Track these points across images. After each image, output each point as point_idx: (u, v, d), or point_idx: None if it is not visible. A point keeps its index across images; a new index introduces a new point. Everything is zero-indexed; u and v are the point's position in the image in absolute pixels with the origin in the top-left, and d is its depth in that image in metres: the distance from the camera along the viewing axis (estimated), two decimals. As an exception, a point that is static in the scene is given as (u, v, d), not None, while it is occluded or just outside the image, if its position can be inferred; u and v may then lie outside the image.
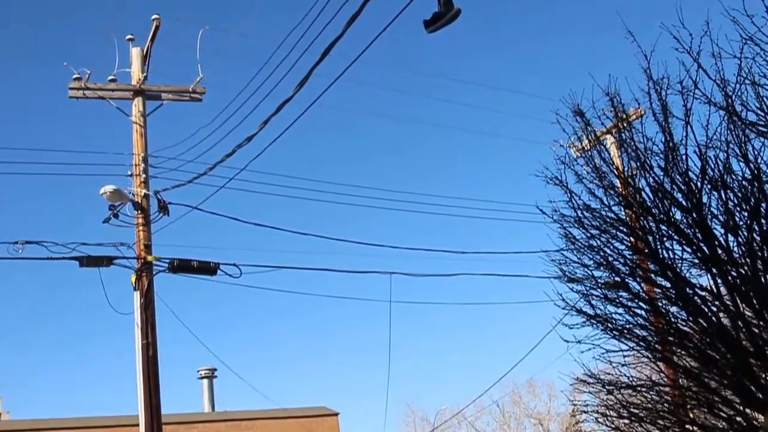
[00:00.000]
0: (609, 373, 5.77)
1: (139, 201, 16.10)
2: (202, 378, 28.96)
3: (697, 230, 5.20)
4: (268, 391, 38.22)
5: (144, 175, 15.96)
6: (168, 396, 19.37)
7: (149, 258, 15.95)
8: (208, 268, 16.40)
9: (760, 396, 5.00)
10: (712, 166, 5.05)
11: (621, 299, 5.62)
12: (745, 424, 5.19)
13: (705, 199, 5.17)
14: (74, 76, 15.03)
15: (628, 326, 5.57)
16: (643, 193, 5.42)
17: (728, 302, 5.20)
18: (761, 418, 4.96)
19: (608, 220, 5.62)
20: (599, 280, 5.68)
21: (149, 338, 16.02)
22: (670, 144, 5.24)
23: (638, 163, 5.37)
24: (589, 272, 5.71)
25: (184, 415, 23.90)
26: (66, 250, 15.21)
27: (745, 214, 5.01)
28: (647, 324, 5.63)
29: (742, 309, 5.12)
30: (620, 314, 5.62)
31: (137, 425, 16.23)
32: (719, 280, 5.20)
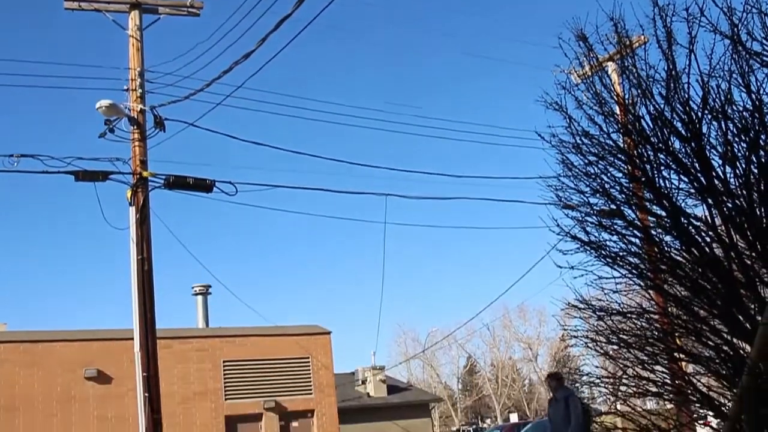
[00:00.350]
0: (600, 300, 5.83)
1: (135, 116, 16.02)
2: (197, 294, 29.27)
3: (695, 160, 5.19)
4: (261, 309, 38.62)
5: (140, 90, 15.84)
6: (163, 312, 19.54)
7: (145, 174, 15.95)
8: (203, 185, 16.42)
9: (748, 326, 5.06)
10: (714, 95, 5.02)
11: (616, 227, 5.64)
12: (731, 353, 5.25)
13: (705, 129, 5.14)
14: (70, -13, 14.80)
15: (621, 254, 5.61)
16: (642, 121, 5.39)
17: (722, 233, 5.21)
18: (748, 348, 5.01)
19: (606, 147, 5.60)
20: (595, 207, 5.70)
21: (144, 254, 16.15)
22: (673, 72, 5.19)
23: (639, 91, 5.33)
24: (585, 199, 5.72)
25: (179, 330, 24.20)
26: (61, 165, 15.19)
27: (744, 145, 4.99)
28: (640, 252, 5.66)
29: (735, 240, 5.15)
30: (614, 242, 5.66)
31: (132, 339, 16.46)
32: (714, 211, 5.20)
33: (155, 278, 16.39)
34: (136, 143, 16.02)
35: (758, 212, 4.98)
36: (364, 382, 39.80)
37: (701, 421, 6.02)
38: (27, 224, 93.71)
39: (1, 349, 21.72)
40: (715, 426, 5.87)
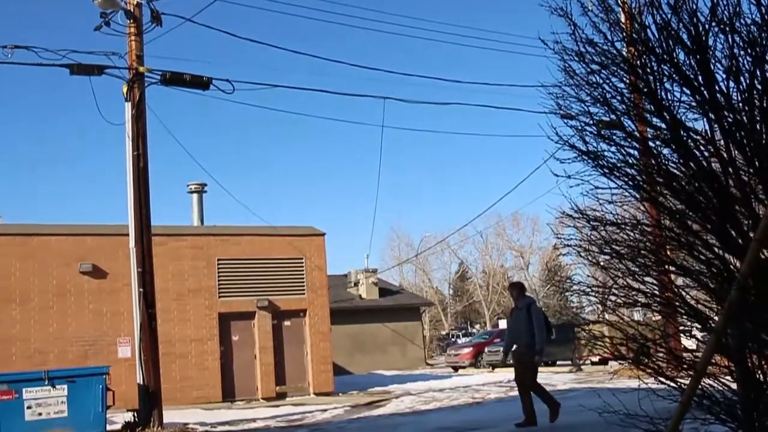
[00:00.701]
0: (595, 210, 5.82)
1: (132, 9, 15.74)
2: (192, 192, 29.31)
3: (699, 73, 5.11)
4: (256, 209, 38.79)
5: (137, -17, 15.54)
6: (158, 209, 19.60)
7: (141, 69, 15.77)
8: (200, 83, 16.26)
9: (740, 242, 5.07)
10: (723, 7, 4.91)
11: (614, 138, 5.60)
12: (722, 267, 5.28)
13: (711, 41, 5.05)
14: None
15: (618, 164, 5.57)
16: (648, 31, 5.29)
17: (721, 148, 5.18)
18: (738, 263, 5.04)
19: (610, 56, 5.50)
20: (595, 117, 5.64)
21: (140, 149, 16.11)
22: (681, -19, 5.08)
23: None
24: (585, 108, 5.65)
25: (174, 227, 24.31)
26: (56, 57, 15.00)
27: (750, 59, 4.91)
28: (638, 164, 5.63)
29: (734, 155, 5.12)
30: (612, 152, 5.61)
31: (127, 235, 16.57)
32: (715, 126, 5.16)
33: (150, 175, 16.40)
34: (133, 38, 15.80)
35: (758, 128, 4.94)
36: (356, 285, 40.26)
37: (687, 334, 6.09)
38: (23, 118, 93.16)
39: (-3, 240, 21.85)
40: (699, 338, 5.95)
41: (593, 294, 6.33)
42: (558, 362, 34.90)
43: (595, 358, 29.07)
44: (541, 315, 12.44)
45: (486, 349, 37.03)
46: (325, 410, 18.64)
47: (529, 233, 78.31)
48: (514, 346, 12.64)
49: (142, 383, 15.78)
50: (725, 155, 5.14)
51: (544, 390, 12.45)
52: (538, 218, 75.42)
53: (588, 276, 7.04)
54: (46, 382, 14.86)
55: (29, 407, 14.71)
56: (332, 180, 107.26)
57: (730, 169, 5.13)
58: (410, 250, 74.00)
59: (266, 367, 24.38)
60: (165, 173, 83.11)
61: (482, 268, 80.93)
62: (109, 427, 15.49)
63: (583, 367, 30.90)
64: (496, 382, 25.79)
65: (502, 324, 60.21)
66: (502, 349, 13.56)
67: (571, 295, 45.60)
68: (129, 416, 16.04)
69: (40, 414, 14.78)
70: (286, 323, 25.08)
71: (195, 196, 29.27)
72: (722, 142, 5.20)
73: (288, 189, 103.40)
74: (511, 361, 12.85)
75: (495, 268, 78.63)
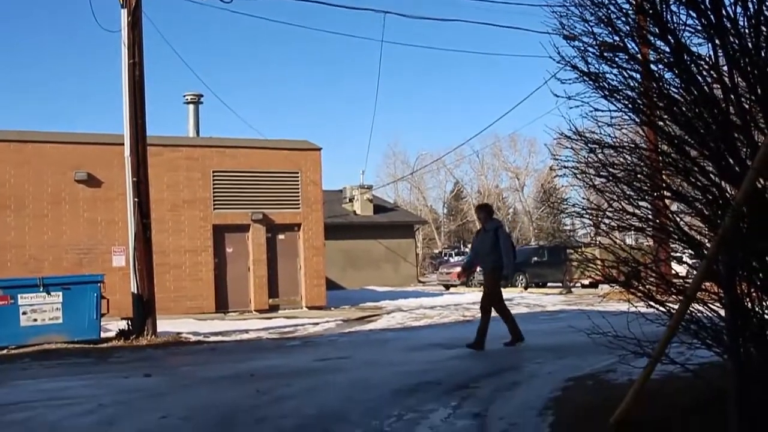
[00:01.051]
0: (593, 132, 5.78)
1: None
2: (188, 103, 29.06)
3: (706, -5, 5.02)
4: (253, 122, 38.52)
5: None
6: (154, 120, 19.40)
7: (137, -25, 15.47)
8: (197, -9, 15.93)
9: (738, 170, 5.05)
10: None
11: (617, 59, 5.52)
12: (718, 194, 5.27)
13: (719, -37, 4.94)
14: None
15: (620, 87, 5.51)
16: (656, -50, 5.17)
17: (724, 74, 5.11)
18: (735, 191, 5.02)
19: (616, -26, 5.39)
20: (598, 38, 5.54)
21: (136, 58, 15.93)
22: None
23: None
24: (588, 28, 5.55)
25: (169, 138, 24.19)
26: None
27: (758, -17, 4.81)
28: (639, 87, 5.57)
29: (736, 82, 5.05)
30: (614, 75, 5.54)
31: (122, 144, 16.48)
32: (719, 51, 5.08)
33: (147, 86, 16.25)
34: (129, -58, 15.45)
35: (763, 55, 4.87)
36: (351, 201, 40.32)
37: (678, 260, 6.12)
38: (19, 25, 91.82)
39: (-9, 146, 21.72)
40: (690, 264, 5.98)
41: (587, 216, 6.33)
42: (548, 284, 35.25)
43: (586, 281, 29.35)
44: (508, 238, 12.34)
45: (478, 269, 37.31)
46: (317, 324, 18.86)
47: (525, 155, 78.24)
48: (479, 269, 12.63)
49: (136, 292, 15.90)
50: (728, 81, 5.08)
51: (509, 314, 12.44)
52: (535, 140, 75.25)
53: (583, 198, 7.03)
54: (41, 289, 14.98)
55: (24, 313, 14.86)
56: (330, 95, 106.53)
57: (732, 96, 5.07)
58: (406, 168, 73.97)
59: (259, 280, 24.57)
60: (161, 84, 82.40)
61: (477, 188, 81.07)
62: (103, 335, 15.68)
63: (573, 289, 31.23)
64: (486, 301, 26.02)
65: (495, 244, 60.49)
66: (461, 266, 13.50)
67: (565, 218, 45.74)
68: (123, 324, 16.21)
69: (35, 320, 14.93)
70: (280, 237, 25.18)
71: (191, 107, 29.03)
72: (725, 68, 5.13)
73: (285, 104, 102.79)
74: (477, 281, 12.86)
75: (490, 188, 78.74)
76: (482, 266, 12.42)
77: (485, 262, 12.31)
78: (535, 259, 35.96)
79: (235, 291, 24.24)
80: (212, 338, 16.47)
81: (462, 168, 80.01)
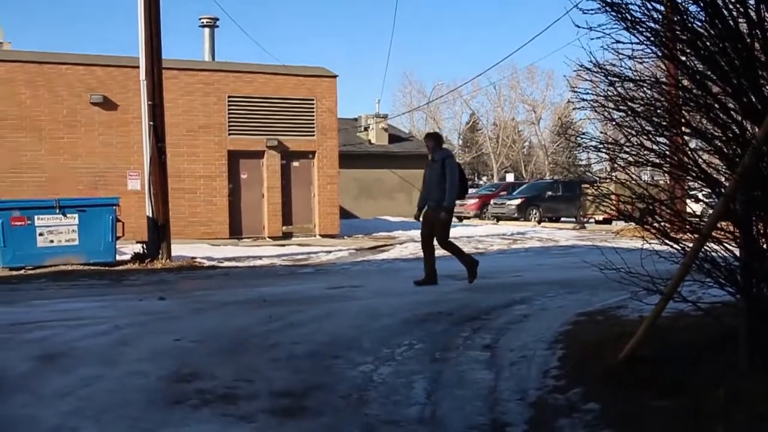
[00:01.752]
0: (614, 65, 5.68)
1: None
2: (204, 27, 28.77)
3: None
4: (269, 48, 38.18)
5: None
6: (169, 44, 19.31)
7: None
8: None
9: (760, 107, 4.97)
10: None
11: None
12: (738, 132, 5.20)
13: None
14: None
15: (643, 19, 5.39)
16: None
17: (750, 8, 5.00)
18: (756, 129, 4.96)
19: None
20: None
21: (152, -20, 15.71)
22: None
23: None
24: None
25: (185, 61, 24.05)
26: None
27: None
28: (662, 19, 5.45)
29: (763, 16, 4.94)
30: (637, 6, 5.41)
31: (138, 67, 16.40)
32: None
33: (162, 8, 16.08)
34: None
35: (791, -11, 4.75)
36: (366, 129, 40.12)
37: (694, 199, 6.08)
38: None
39: (7, 68, 21.64)
40: (707, 202, 5.94)
41: (604, 151, 6.26)
42: (562, 219, 35.23)
43: (600, 217, 29.30)
44: (456, 170, 11.46)
45: (492, 202, 37.30)
46: (330, 252, 18.97)
47: (542, 87, 77.56)
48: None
49: (151, 216, 15.99)
50: (754, 16, 4.97)
51: (457, 248, 11.86)
52: (553, 72, 74.47)
53: (601, 132, 6.96)
54: (58, 211, 15.09)
55: (41, 234, 15.00)
56: (347, 23, 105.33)
57: (758, 32, 4.97)
58: (422, 98, 73.51)
59: (273, 207, 24.64)
60: (177, 8, 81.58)
61: (493, 120, 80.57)
62: (118, 257, 15.83)
63: (586, 225, 31.19)
64: (499, 234, 26.09)
65: (510, 178, 60.47)
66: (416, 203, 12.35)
67: (581, 152, 45.49)
68: (138, 248, 16.35)
69: (51, 241, 15.07)
70: (295, 164, 25.18)
71: (207, 30, 28.74)
72: (752, 1, 5.02)
73: (302, 31, 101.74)
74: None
75: (506, 120, 78.21)
76: (429, 199, 11.61)
77: (431, 195, 11.53)
78: (549, 193, 35.87)
79: (249, 217, 24.36)
80: (225, 264, 16.61)
81: (478, 99, 79.60)
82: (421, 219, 11.81)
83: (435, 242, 11.71)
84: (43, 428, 4.64)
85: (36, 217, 15.00)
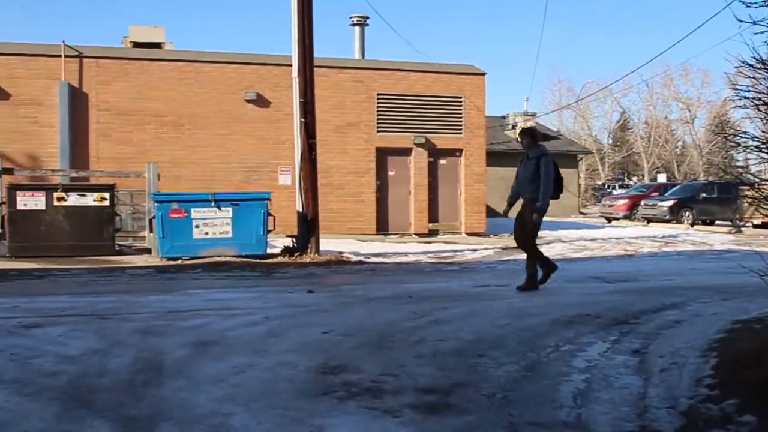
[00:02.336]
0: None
1: None
2: (354, 25, 29.19)
3: None
4: (418, 45, 38.40)
5: None
6: (320, 42, 19.74)
7: None
8: None
9: None
10: None
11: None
12: None
13: None
14: None
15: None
16: None
17: None
18: None
19: None
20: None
21: (305, -20, 16.04)
22: None
23: None
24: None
25: (335, 59, 24.47)
26: None
27: None
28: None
29: None
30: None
31: (290, 65, 16.80)
32: None
33: (314, 7, 16.42)
34: None
35: None
36: (514, 127, 39.78)
37: None
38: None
39: (168, 67, 22.66)
40: None
41: (766, 150, 5.98)
42: (716, 222, 33.85)
43: (758, 221, 27.99)
44: (551, 169, 10.81)
45: (642, 203, 36.23)
46: (476, 250, 18.89)
47: (698, 85, 74.89)
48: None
49: (301, 211, 16.36)
50: None
51: (540, 253, 11.18)
52: (709, 70, 71.72)
53: (762, 132, 6.64)
54: (213, 204, 15.65)
55: (197, 226, 15.59)
56: (495, 19, 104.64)
57: None
58: (571, 96, 72.18)
59: (420, 204, 24.78)
60: (328, 7, 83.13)
61: (645, 119, 78.26)
62: (269, 250, 16.26)
63: (743, 229, 29.84)
64: (650, 236, 25.32)
65: (661, 178, 58.57)
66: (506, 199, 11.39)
67: (738, 152, 43.54)
68: (288, 241, 16.75)
69: (206, 233, 15.65)
70: (442, 162, 25.22)
71: (357, 29, 29.16)
72: None
73: (450, 28, 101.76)
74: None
75: (658, 119, 75.80)
76: (522, 197, 11.04)
77: (525, 193, 10.93)
78: (704, 195, 34.50)
79: (396, 214, 24.57)
80: (372, 259, 16.79)
81: (629, 97, 77.55)
82: (514, 218, 11.21)
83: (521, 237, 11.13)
84: (197, 413, 4.81)
85: (192, 209, 15.59)
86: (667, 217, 33.68)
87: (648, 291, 10.89)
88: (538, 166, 10.71)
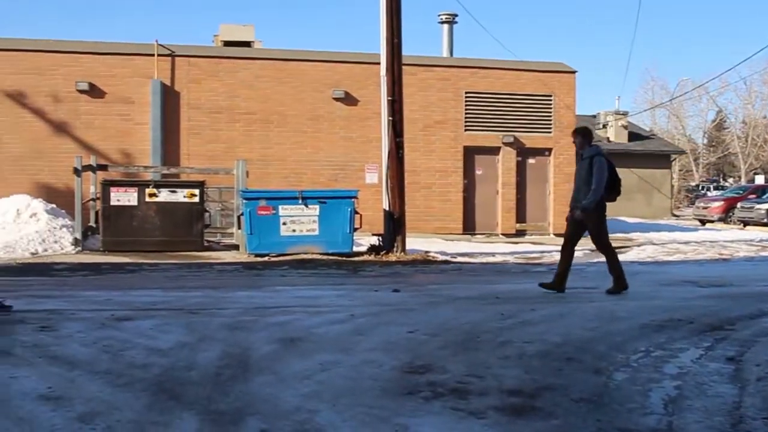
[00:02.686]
0: None
1: None
2: (442, 23, 29.10)
3: None
4: (506, 43, 38.07)
5: None
6: (408, 40, 19.72)
7: None
8: None
9: None
10: None
11: None
12: None
13: None
14: None
15: None
16: None
17: None
18: None
19: None
20: None
21: (395, -22, 16.05)
22: None
23: None
24: None
25: (423, 57, 24.43)
26: None
27: None
28: None
29: None
30: None
31: (378, 63, 16.84)
32: None
33: (402, 3, 16.41)
34: None
35: None
36: (605, 127, 39.15)
37: None
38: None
39: (258, 65, 22.98)
40: None
41: None
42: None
43: None
44: (604, 168, 10.39)
45: (739, 205, 35.19)
46: (563, 251, 18.56)
47: (805, 83, 72.02)
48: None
49: (387, 209, 16.38)
50: None
51: (615, 257, 10.80)
52: (814, 67, 69.09)
53: None
54: (300, 201, 15.80)
55: (284, 223, 15.77)
56: (586, 16, 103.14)
57: None
58: (664, 94, 70.54)
59: (507, 204, 24.57)
60: (416, 4, 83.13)
61: (742, 119, 75.89)
62: (354, 248, 16.33)
63: None
64: (746, 240, 24.55)
65: (759, 180, 56.82)
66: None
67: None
68: (374, 240, 16.80)
69: (293, 230, 15.81)
70: (530, 161, 24.96)
71: (445, 26, 29.06)
72: None
73: (540, 24, 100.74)
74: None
75: (757, 119, 73.43)
76: (578, 198, 10.60)
77: (580, 194, 10.57)
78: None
79: (483, 214, 24.42)
80: (458, 259, 16.71)
81: (726, 96, 75.39)
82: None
83: (575, 247, 10.82)
84: (283, 408, 4.83)
85: (280, 207, 15.77)
86: (765, 221, 32.62)
87: (744, 296, 10.53)
88: (591, 166, 10.39)
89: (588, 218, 10.50)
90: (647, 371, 5.97)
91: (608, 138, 38.69)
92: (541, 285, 10.74)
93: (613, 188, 10.64)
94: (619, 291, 10.52)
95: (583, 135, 10.84)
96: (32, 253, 15.97)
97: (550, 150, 24.99)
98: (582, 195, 10.51)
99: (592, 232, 10.64)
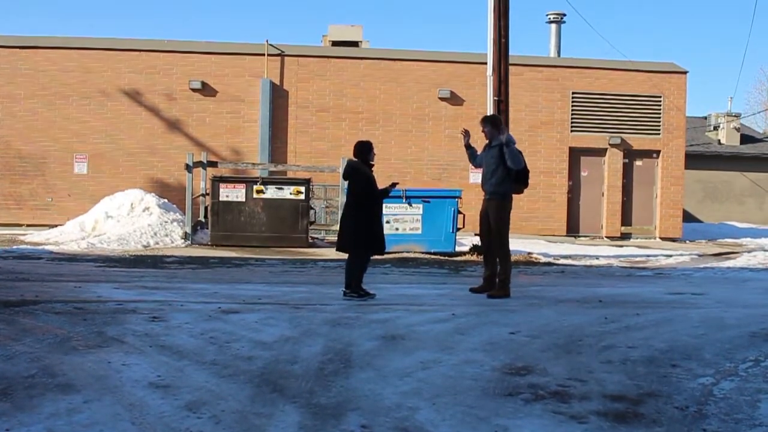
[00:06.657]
0: None
1: None
2: (550, 23, 28.83)
3: None
4: (616, 43, 37.36)
5: None
6: (515, 39, 19.57)
7: None
8: None
9: None
10: None
11: None
12: None
13: None
14: None
15: None
16: None
17: None
18: None
19: None
20: None
21: (502, -22, 15.98)
22: None
23: None
24: None
25: (529, 57, 24.24)
26: None
27: None
28: None
29: None
30: None
31: (485, 63, 16.81)
32: None
33: (510, 3, 16.32)
34: None
35: None
36: (716, 129, 37.99)
37: None
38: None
39: (364, 65, 23.20)
40: None
41: None
42: None
43: None
44: (518, 152, 9.94)
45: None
46: (670, 256, 18.17)
47: None
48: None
49: (489, 209, 16.28)
50: None
51: (509, 257, 10.16)
52: None
53: None
54: (404, 200, 15.90)
55: (388, 222, 15.90)
56: (697, 14, 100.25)
57: None
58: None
59: (613, 206, 24.15)
60: (524, 4, 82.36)
61: None
62: (457, 248, 16.33)
63: None
64: None
65: None
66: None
67: None
68: (476, 240, 16.74)
69: (397, 229, 15.92)
70: (638, 163, 24.47)
71: (553, 26, 28.78)
72: None
73: (649, 23, 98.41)
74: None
75: None
76: (483, 190, 10.15)
77: (486, 185, 10.11)
78: None
79: (587, 215, 24.08)
80: (562, 261, 16.53)
81: None
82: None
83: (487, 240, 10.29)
84: (383, 405, 4.89)
85: (385, 205, 15.87)
86: None
87: None
88: (501, 155, 9.90)
89: (496, 206, 10.00)
90: (756, 381, 5.81)
91: (719, 140, 37.54)
92: (472, 290, 10.36)
93: (519, 179, 10.13)
94: (502, 296, 9.93)
95: (493, 123, 10.41)
96: (144, 246, 16.56)
97: (658, 152, 24.45)
98: (488, 185, 10.06)
99: (494, 220, 10.01)
